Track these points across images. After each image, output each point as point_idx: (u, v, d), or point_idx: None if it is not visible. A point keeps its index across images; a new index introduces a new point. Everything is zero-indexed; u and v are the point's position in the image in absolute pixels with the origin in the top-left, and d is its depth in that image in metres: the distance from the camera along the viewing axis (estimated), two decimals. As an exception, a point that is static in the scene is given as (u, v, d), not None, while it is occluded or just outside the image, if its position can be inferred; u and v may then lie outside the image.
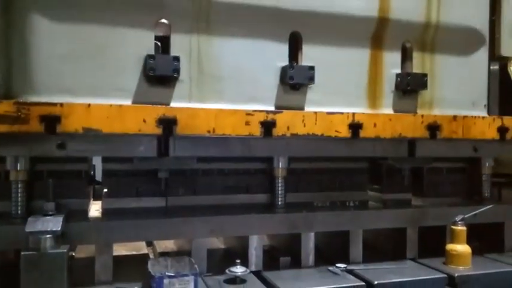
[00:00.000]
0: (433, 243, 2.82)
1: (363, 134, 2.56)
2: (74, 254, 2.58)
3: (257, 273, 2.45)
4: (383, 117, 2.63)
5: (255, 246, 2.53)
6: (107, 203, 2.47)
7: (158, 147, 2.34)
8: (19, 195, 2.26)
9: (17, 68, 2.15)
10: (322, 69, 2.54)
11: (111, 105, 2.17)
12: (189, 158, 2.45)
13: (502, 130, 2.86)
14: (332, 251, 2.79)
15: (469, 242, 2.62)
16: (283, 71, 2.50)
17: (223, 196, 2.67)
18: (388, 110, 2.74)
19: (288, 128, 2.43)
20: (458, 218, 2.62)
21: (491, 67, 3.03)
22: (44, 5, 2.15)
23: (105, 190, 2.48)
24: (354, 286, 2.31)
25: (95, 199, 2.77)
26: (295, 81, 2.48)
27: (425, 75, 2.75)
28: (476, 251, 2.72)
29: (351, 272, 2.47)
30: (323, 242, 2.77)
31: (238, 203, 2.68)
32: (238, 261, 2.25)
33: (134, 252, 3.02)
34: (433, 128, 2.71)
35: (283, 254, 2.69)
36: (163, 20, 2.34)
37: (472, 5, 2.88)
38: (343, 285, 2.30)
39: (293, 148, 2.60)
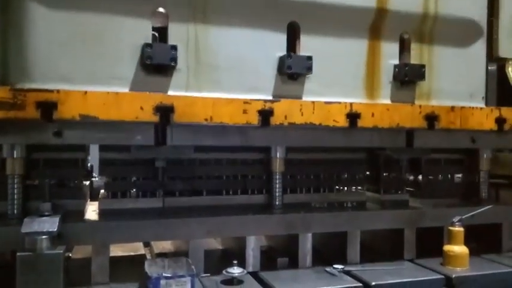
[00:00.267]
0: (430, 244, 2.81)
1: (360, 123, 2.55)
2: (70, 254, 2.55)
3: (254, 274, 2.43)
4: (381, 107, 2.63)
5: (252, 247, 2.52)
6: (104, 204, 2.47)
7: (156, 136, 2.32)
8: (15, 191, 2.25)
9: (13, 55, 2.13)
10: (320, 59, 2.52)
11: (108, 92, 2.16)
12: (186, 147, 2.44)
13: (500, 121, 2.86)
14: (329, 252, 2.78)
15: (466, 243, 2.61)
16: (281, 60, 2.49)
17: (220, 197, 2.67)
18: (386, 101, 2.73)
19: (285, 117, 2.42)
20: (455, 219, 2.60)
21: (489, 68, 3.01)
22: (40, -8, 2.13)
23: (103, 179, 2.48)
24: (351, 287, 2.30)
25: (92, 200, 2.74)
26: (293, 70, 2.46)
27: (423, 66, 2.74)
28: (474, 252, 2.71)
29: (348, 273, 2.45)
30: (321, 242, 2.76)
31: (236, 204, 2.67)
32: (235, 262, 2.24)
33: (132, 253, 2.99)
34: (431, 119, 2.70)
35: (280, 254, 2.68)
36: (161, 9, 2.33)
37: (470, -3, 2.87)
38: (340, 286, 2.29)
39: (291, 138, 2.59)
